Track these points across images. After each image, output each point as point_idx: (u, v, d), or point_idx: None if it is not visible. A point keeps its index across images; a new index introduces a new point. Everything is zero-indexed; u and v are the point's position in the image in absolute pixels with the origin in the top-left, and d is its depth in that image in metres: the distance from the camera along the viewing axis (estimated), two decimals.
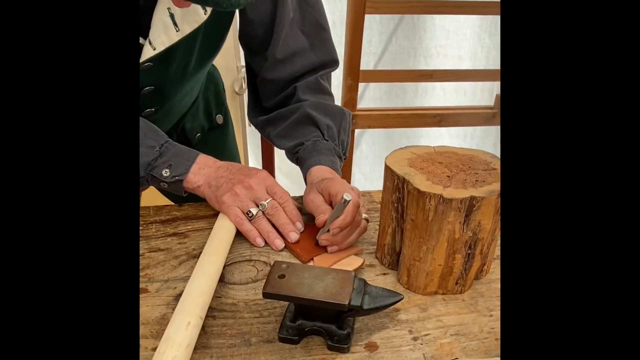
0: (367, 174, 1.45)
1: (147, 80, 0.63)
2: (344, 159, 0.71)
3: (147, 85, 0.64)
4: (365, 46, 1.26)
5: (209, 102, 0.85)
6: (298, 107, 0.69)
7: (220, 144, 0.89)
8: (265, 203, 0.58)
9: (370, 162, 1.42)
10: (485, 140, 1.38)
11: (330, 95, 0.74)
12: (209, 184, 0.60)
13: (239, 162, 0.97)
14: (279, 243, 0.57)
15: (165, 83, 0.66)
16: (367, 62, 1.30)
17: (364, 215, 0.58)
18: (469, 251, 0.49)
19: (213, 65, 0.88)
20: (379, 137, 1.40)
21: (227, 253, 0.56)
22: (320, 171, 0.64)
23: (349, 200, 0.52)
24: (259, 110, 0.77)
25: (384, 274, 0.56)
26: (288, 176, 1.39)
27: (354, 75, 1.21)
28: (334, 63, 0.74)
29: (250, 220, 0.59)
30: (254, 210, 0.58)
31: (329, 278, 0.45)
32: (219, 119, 0.87)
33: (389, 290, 0.45)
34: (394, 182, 0.49)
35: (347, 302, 0.42)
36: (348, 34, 1.16)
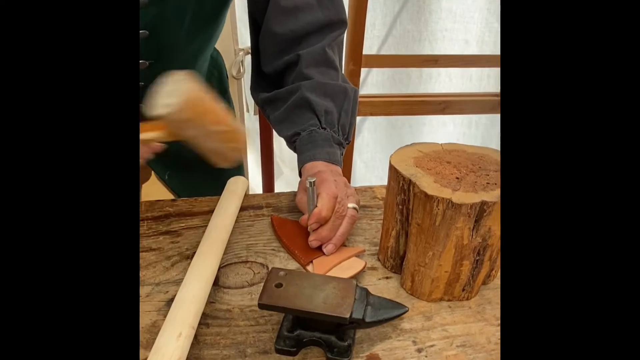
0: (368, 161, 1.41)
1: (140, 20, 0.57)
2: (347, 143, 0.67)
3: (140, 28, 0.57)
4: (369, 29, 1.21)
5: (212, 88, 0.80)
6: (296, 88, 0.64)
7: None
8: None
9: (371, 149, 1.38)
10: (491, 130, 1.34)
11: (336, 69, 0.67)
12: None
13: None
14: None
15: (161, 28, 0.59)
16: (370, 46, 1.25)
17: (351, 205, 0.54)
18: (478, 257, 0.46)
19: (217, 50, 0.83)
20: (380, 125, 1.36)
21: (222, 254, 0.53)
22: (312, 168, 0.60)
23: (314, 181, 0.50)
24: (261, 82, 0.72)
25: (387, 277, 0.53)
26: (288, 164, 1.36)
27: (356, 60, 1.17)
28: (342, 24, 0.67)
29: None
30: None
31: (330, 287, 0.43)
32: None
33: (393, 301, 0.42)
34: (399, 183, 0.46)
35: (348, 315, 0.40)
36: (350, 16, 1.11)
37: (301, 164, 0.62)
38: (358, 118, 1.21)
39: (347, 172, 1.23)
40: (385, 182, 0.50)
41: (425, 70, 1.30)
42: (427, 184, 0.43)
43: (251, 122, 1.35)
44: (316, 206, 0.52)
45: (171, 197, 0.83)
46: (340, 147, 0.64)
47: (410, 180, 0.44)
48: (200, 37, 0.66)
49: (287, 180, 1.40)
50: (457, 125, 1.36)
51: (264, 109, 0.72)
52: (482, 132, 1.37)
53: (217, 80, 0.81)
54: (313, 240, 0.53)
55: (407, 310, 0.42)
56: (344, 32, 0.67)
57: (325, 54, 0.65)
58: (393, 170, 0.46)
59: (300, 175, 0.64)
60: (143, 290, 0.50)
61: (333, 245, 0.53)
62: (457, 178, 0.45)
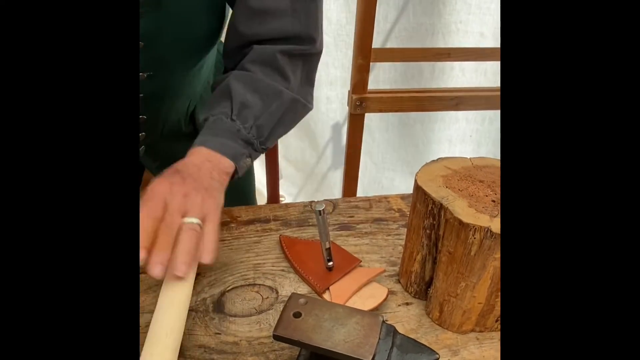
0: (379, 163, 1.35)
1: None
2: (262, 148, 0.56)
3: None
4: (381, 22, 1.15)
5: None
6: (227, 75, 0.57)
7: None
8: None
9: (382, 150, 1.33)
10: None
11: (284, 78, 0.57)
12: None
13: None
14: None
15: (158, 41, 0.54)
16: (381, 40, 1.19)
17: (188, 220, 0.43)
18: None
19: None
20: (392, 124, 1.30)
21: (195, 273, 0.45)
22: (190, 154, 0.49)
23: (323, 209, 0.45)
24: None
25: (407, 303, 0.48)
26: (294, 164, 1.30)
27: (365, 54, 1.11)
28: (310, 41, 0.58)
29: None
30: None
31: (352, 322, 0.38)
32: None
33: (422, 344, 0.38)
34: (428, 206, 0.41)
35: (370, 359, 0.35)
36: (359, 7, 1.05)
37: (190, 148, 0.51)
38: (368, 116, 1.15)
39: (355, 174, 1.18)
40: (397, 185, 0.45)
41: (438, 65, 1.24)
42: (461, 210, 0.38)
43: None
44: (328, 235, 0.47)
45: None
46: (248, 146, 0.53)
47: (441, 204, 0.39)
48: (208, 41, 0.60)
49: (292, 180, 1.35)
50: (470, 121, 1.30)
51: None
52: (496, 128, 1.31)
53: None
54: (154, 265, 0.40)
55: (438, 358, 0.37)
56: (311, 50, 0.59)
57: (274, 58, 0.56)
58: (420, 192, 0.41)
59: None
60: (142, 320, 0.46)
61: (184, 265, 0.41)
62: (494, 201, 0.40)
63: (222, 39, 0.76)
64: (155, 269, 0.39)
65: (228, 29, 0.60)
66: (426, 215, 0.41)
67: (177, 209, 0.43)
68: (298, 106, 0.58)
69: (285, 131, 0.59)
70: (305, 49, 0.58)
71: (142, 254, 0.40)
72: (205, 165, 0.48)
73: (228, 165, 0.50)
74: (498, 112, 1.31)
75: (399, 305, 0.48)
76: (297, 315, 0.39)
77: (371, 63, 1.13)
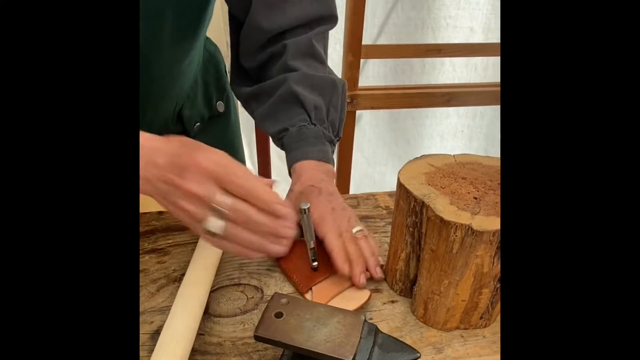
0: (370, 158, 1.35)
1: None
2: (337, 140, 0.62)
3: None
4: (369, 18, 1.15)
5: (208, 86, 0.73)
6: (282, 80, 0.58)
7: (220, 134, 0.78)
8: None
9: (373, 144, 1.33)
10: (496, 121, 1.29)
11: (323, 63, 0.61)
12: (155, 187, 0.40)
13: (242, 155, 0.87)
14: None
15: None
16: (370, 36, 1.18)
17: (356, 230, 0.48)
18: (499, 285, 0.41)
19: (214, 45, 0.77)
20: (382, 119, 1.30)
21: (212, 281, 0.48)
22: (304, 170, 0.54)
23: (307, 208, 0.46)
24: (243, 77, 0.66)
25: (393, 301, 0.48)
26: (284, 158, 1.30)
27: (355, 51, 1.10)
28: (333, 19, 0.62)
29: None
30: (214, 225, 0.38)
31: (334, 322, 0.38)
32: (220, 106, 0.76)
33: (404, 343, 0.37)
34: (410, 204, 0.41)
35: (350, 358, 0.35)
36: (349, 3, 1.04)
37: (291, 162, 0.56)
38: (358, 112, 1.15)
39: (347, 169, 1.18)
40: (388, 180, 0.46)
41: (429, 60, 1.23)
42: (443, 207, 0.38)
43: (246, 116, 1.29)
44: (316, 236, 0.47)
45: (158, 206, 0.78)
46: (331, 144, 0.59)
47: (423, 202, 0.39)
48: (188, 36, 0.59)
49: (284, 176, 1.35)
50: (461, 116, 1.30)
51: (248, 103, 0.65)
52: (487, 123, 1.31)
53: (214, 77, 0.75)
54: (359, 275, 0.46)
55: (419, 357, 0.37)
56: (332, 27, 0.62)
57: (312, 46, 0.59)
58: (403, 190, 0.41)
59: (290, 174, 0.58)
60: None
61: (378, 267, 0.48)
62: (475, 198, 0.40)
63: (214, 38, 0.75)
64: (362, 279, 0.46)
65: (245, 29, 0.61)
66: (409, 213, 0.41)
67: (349, 225, 0.49)
68: (344, 87, 0.62)
69: (344, 115, 0.63)
70: (328, 28, 0.62)
71: (347, 268, 0.46)
72: (324, 182, 0.53)
73: (331, 169, 0.55)
74: (489, 107, 1.31)
75: (385, 304, 0.48)
76: (279, 315, 0.39)
77: (361, 60, 1.12)
